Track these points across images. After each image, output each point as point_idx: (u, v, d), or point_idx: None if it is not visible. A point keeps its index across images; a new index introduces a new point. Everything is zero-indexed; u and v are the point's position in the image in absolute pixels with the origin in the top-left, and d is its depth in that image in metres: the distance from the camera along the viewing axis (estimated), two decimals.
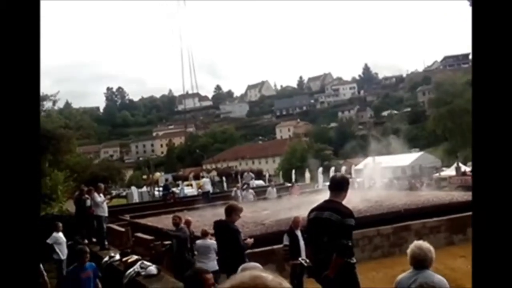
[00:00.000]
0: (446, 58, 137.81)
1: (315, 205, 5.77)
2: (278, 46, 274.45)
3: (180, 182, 47.95)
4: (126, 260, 10.09)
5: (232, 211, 7.37)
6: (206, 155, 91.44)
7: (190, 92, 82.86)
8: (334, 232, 5.30)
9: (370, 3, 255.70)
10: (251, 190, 26.63)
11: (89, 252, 7.47)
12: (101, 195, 15.22)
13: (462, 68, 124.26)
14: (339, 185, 5.66)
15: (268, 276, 1.21)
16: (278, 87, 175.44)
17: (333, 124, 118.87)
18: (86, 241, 15.68)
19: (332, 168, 37.44)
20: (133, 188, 43.03)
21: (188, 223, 11.52)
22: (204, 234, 10.14)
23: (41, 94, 23.07)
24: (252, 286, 1.17)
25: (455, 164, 34.13)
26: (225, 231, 7.38)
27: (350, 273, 5.39)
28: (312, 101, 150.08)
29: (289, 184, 31.45)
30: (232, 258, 6.80)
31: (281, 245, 9.89)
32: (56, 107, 23.67)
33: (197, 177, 49.71)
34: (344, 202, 5.55)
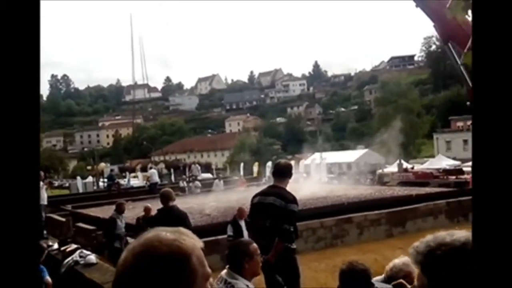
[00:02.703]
0: (392, 59, 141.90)
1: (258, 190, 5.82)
2: (230, 40, 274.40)
3: (126, 173, 47.14)
4: (65, 249, 9.77)
5: (169, 197, 7.40)
6: (154, 147, 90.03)
7: (139, 82, 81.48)
8: (277, 217, 5.35)
9: (322, 2, 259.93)
10: (197, 182, 26.61)
11: (46, 250, 7.11)
12: (40, 183, 14.69)
13: (407, 69, 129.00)
14: (283, 171, 5.70)
15: (167, 233, 1.24)
16: (229, 81, 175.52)
17: (282, 120, 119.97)
18: None
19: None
20: (78, 178, 41.94)
21: (147, 210, 11.54)
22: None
23: None
24: (150, 238, 1.20)
25: (397, 161, 35.27)
26: (171, 216, 7.33)
27: (290, 258, 5.46)
28: (262, 96, 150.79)
29: (236, 178, 31.59)
30: None
31: (225, 235, 9.89)
32: None
33: (144, 169, 49.08)
34: (289, 189, 5.61)
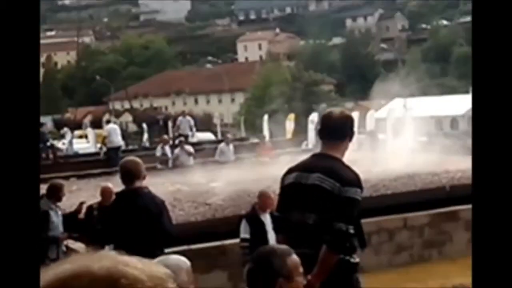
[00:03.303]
0: None
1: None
2: None
3: (66, 130, 47.57)
4: None
5: (135, 173, 7.44)
6: (113, 85, 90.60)
7: None
8: (326, 209, 5.33)
9: None
10: (189, 147, 26.67)
11: None
12: None
13: None
14: (338, 129, 5.62)
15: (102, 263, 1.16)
16: None
17: (337, 40, 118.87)
18: None
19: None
20: None
21: (106, 192, 11.66)
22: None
23: None
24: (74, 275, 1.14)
25: None
26: (137, 206, 7.41)
27: (349, 279, 5.48)
28: None
29: (257, 140, 31.63)
30: (147, 245, 6.78)
31: (237, 239, 9.98)
32: None
33: (97, 124, 49.41)
34: (347, 161, 5.57)
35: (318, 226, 5.28)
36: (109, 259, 1.16)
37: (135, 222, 7.45)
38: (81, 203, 12.18)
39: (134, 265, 1.15)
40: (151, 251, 6.71)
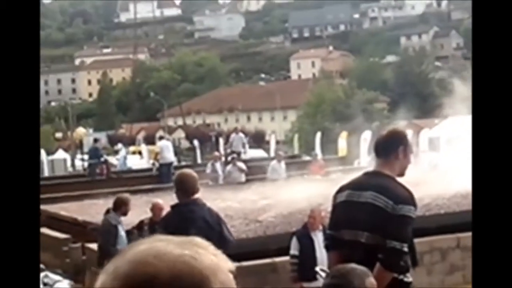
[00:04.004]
0: None
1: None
2: None
3: (120, 146, 48.05)
4: None
5: (190, 186, 7.46)
6: (167, 102, 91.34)
7: None
8: (379, 227, 5.31)
9: None
10: (241, 164, 26.71)
11: None
12: None
13: None
14: (389, 146, 5.61)
15: (170, 244, 1.16)
16: None
17: (391, 58, 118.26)
18: None
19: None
20: (41, 153, 43.05)
21: (156, 209, 11.63)
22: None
23: None
24: (141, 252, 1.15)
25: None
26: (193, 219, 7.45)
27: None
28: (357, 15, 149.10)
29: (309, 158, 31.61)
30: None
31: (287, 257, 9.99)
32: None
33: (151, 140, 49.82)
34: (402, 180, 5.54)
35: (371, 244, 5.26)
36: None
37: (195, 232, 7.49)
38: (141, 222, 12.18)
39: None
40: None
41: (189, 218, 7.40)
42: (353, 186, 5.62)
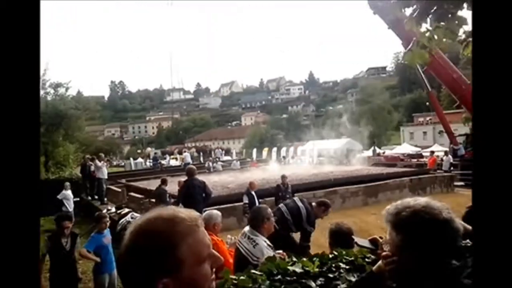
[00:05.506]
0: (369, 69, 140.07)
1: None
2: (245, 54, 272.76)
3: (167, 155, 47.23)
4: (120, 212, 9.85)
5: (192, 173, 7.86)
6: (187, 136, 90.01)
7: (176, 87, 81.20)
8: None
9: (316, 27, 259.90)
10: (220, 162, 26.53)
11: (108, 217, 6.29)
12: (102, 161, 14.93)
13: (380, 77, 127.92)
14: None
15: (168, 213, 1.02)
16: (244, 86, 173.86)
17: (284, 116, 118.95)
18: (89, 197, 15.34)
19: (283, 148, 37.85)
20: (131, 159, 42.23)
21: (180, 183, 11.36)
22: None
23: (56, 82, 22.05)
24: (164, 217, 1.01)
25: (372, 148, 35.10)
26: (193, 185, 7.68)
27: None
28: (270, 97, 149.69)
29: (250, 159, 31.59)
30: (201, 202, 7.40)
31: (241, 203, 9.88)
32: (68, 94, 22.56)
33: (180, 152, 49.10)
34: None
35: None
36: (171, 209, 1.07)
37: (196, 191, 7.70)
38: (178, 190, 11.78)
39: (183, 211, 1.05)
40: (202, 206, 6.89)
41: (193, 185, 7.56)
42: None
